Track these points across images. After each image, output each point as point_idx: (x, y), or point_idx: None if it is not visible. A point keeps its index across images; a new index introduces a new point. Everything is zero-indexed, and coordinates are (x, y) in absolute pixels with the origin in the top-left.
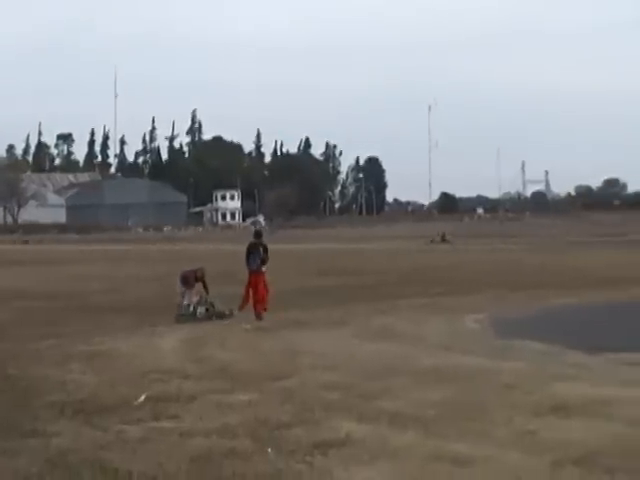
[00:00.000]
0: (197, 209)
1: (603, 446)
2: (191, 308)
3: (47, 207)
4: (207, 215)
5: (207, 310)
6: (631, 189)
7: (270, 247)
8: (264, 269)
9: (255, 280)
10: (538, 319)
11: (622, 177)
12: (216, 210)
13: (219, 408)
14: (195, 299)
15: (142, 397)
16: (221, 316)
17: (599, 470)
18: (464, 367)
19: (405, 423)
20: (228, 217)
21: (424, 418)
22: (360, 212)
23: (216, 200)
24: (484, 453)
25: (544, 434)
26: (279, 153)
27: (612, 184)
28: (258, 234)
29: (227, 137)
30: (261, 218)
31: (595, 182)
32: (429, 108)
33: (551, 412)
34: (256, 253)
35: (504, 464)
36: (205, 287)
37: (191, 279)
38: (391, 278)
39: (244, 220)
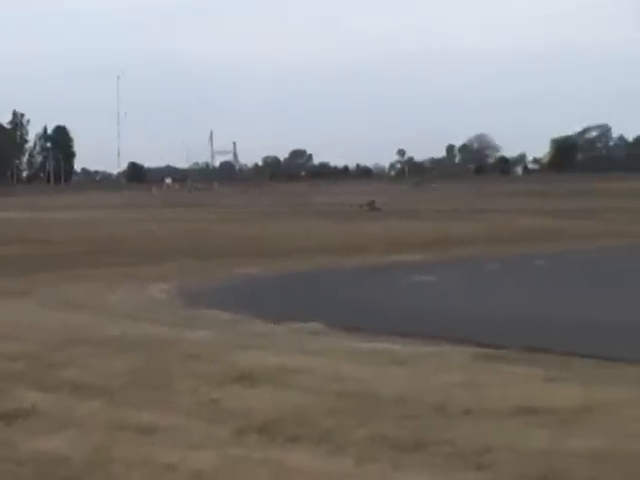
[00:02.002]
0: None
1: (285, 414)
2: None
3: None
4: None
5: None
6: (316, 160)
7: None
8: None
9: None
10: (225, 289)
11: (308, 149)
12: None
13: None
14: None
15: None
16: None
17: (281, 438)
18: (150, 337)
19: (90, 393)
20: None
21: (109, 387)
22: (48, 181)
23: None
24: (168, 422)
25: (228, 403)
26: None
27: (298, 155)
28: None
29: None
30: None
31: (282, 153)
32: (117, 78)
33: (236, 381)
34: None
35: (187, 432)
36: None
37: None
38: (79, 248)
39: None
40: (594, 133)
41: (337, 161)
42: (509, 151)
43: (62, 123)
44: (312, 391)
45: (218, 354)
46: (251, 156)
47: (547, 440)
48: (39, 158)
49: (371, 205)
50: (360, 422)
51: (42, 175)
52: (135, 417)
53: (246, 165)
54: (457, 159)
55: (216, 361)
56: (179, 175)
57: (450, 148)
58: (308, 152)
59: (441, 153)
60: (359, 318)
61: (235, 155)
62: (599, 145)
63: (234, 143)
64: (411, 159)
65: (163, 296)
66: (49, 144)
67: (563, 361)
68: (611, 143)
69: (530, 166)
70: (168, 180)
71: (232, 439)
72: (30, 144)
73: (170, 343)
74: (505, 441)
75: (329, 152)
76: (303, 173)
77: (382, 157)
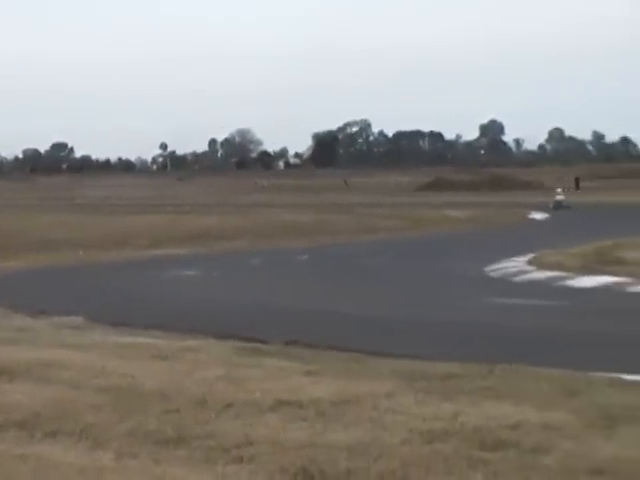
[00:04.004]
0: None
1: (45, 409)
2: None
3: None
4: None
5: None
6: (78, 153)
7: None
8: None
9: None
10: None
11: (69, 141)
12: None
13: None
14: None
15: None
16: None
17: (40, 433)
18: None
19: None
20: None
21: None
22: None
23: None
24: None
25: None
26: None
27: (60, 148)
28: None
29: None
30: None
31: (44, 146)
32: None
33: None
34: None
35: None
36: None
37: None
38: None
39: None
40: (355, 128)
41: (99, 154)
42: (271, 145)
43: None
44: (73, 386)
45: None
46: (11, 149)
47: (307, 433)
48: None
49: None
50: (121, 417)
51: None
52: None
53: (6, 158)
54: (219, 153)
55: None
56: None
57: (212, 142)
58: (70, 145)
59: (204, 147)
60: (121, 313)
61: None
62: (360, 140)
63: None
64: (173, 153)
65: None
66: None
67: (323, 355)
68: (371, 138)
69: (292, 161)
70: None
71: None
72: None
73: None
74: (266, 434)
75: (91, 145)
76: (65, 166)
77: (145, 151)
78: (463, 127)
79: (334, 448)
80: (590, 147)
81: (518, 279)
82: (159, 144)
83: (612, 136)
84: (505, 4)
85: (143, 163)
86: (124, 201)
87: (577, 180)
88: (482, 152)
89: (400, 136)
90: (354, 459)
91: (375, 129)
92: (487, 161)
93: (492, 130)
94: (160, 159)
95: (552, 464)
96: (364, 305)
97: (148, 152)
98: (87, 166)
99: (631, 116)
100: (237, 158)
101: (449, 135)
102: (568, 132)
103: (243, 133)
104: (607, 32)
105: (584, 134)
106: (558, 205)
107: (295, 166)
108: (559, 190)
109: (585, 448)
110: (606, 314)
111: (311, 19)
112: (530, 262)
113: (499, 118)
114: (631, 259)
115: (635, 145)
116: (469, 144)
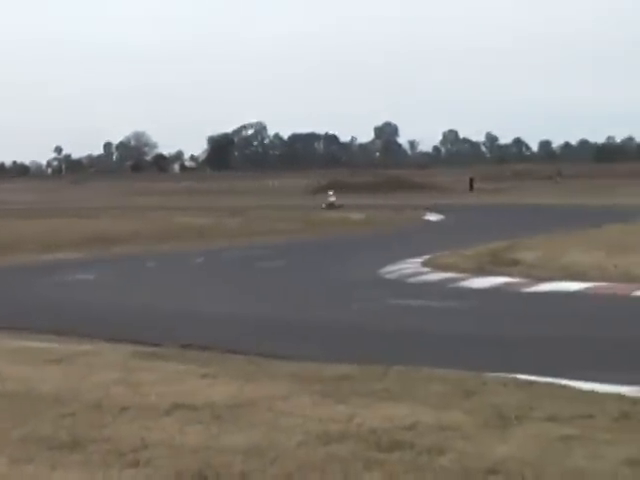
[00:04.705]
0: None
1: None
2: None
3: None
4: None
5: None
6: None
7: None
8: None
9: None
10: None
11: None
12: None
13: None
14: None
15: None
16: None
17: None
18: None
19: None
20: None
21: None
22: None
23: None
24: None
25: None
26: None
27: None
28: None
29: None
30: None
31: None
32: None
33: None
34: None
35: None
36: None
37: None
38: None
39: None
40: (250, 131)
41: None
42: (167, 148)
43: None
44: None
45: None
46: None
47: (203, 436)
48: None
49: None
50: (16, 422)
51: None
52: None
53: None
54: (115, 156)
55: None
56: None
57: (107, 145)
58: None
59: (99, 150)
60: (14, 317)
61: None
62: (255, 143)
63: None
64: (68, 156)
65: None
66: None
67: (219, 358)
68: (267, 141)
69: (187, 164)
70: None
71: None
72: None
73: None
74: (162, 438)
75: None
76: None
77: (41, 154)
78: (358, 129)
79: (230, 451)
80: (484, 149)
81: (413, 280)
82: (54, 147)
83: (506, 138)
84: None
85: (38, 167)
86: (15, 205)
87: (471, 181)
88: (377, 154)
89: (295, 139)
90: (250, 462)
91: (271, 132)
92: (382, 163)
93: (387, 132)
94: (55, 163)
95: (448, 464)
96: (259, 308)
97: (43, 156)
98: None
99: (524, 117)
100: (132, 161)
101: (344, 137)
102: (462, 134)
103: (138, 136)
104: (497, 36)
105: (478, 136)
106: (331, 206)
107: (191, 169)
108: (330, 192)
109: (480, 448)
110: (500, 315)
111: (201, 19)
112: (425, 264)
113: (393, 120)
114: (525, 260)
115: (528, 146)
116: (364, 146)
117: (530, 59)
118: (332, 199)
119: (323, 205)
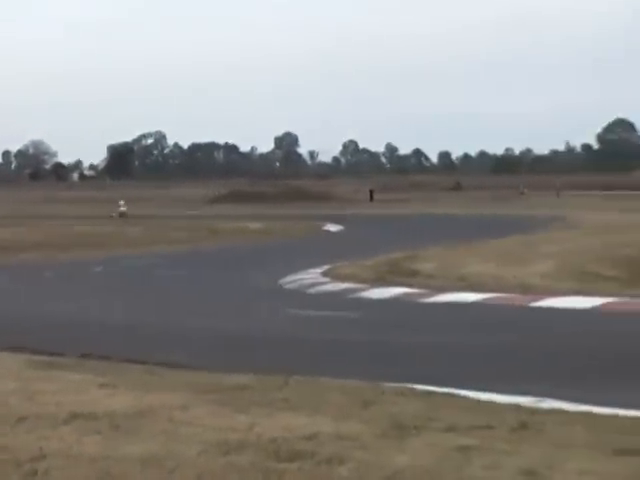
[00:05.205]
0: None
1: None
2: None
3: None
4: None
5: None
6: None
7: None
8: None
9: None
10: None
11: None
12: None
13: None
14: None
15: None
16: None
17: None
18: None
19: None
20: None
21: None
22: None
23: None
24: None
25: None
26: None
27: None
28: None
29: None
30: None
31: None
32: None
33: None
34: None
35: None
36: None
37: None
38: None
39: None
40: (150, 140)
41: None
42: (66, 157)
43: None
44: None
45: None
46: None
47: (102, 446)
48: None
49: None
50: None
51: None
52: None
53: None
54: (13, 165)
55: None
56: None
57: (6, 154)
58: None
59: None
60: None
61: None
62: (155, 152)
63: None
64: None
65: None
66: None
67: (118, 367)
68: (167, 150)
69: (87, 172)
70: None
71: None
72: None
73: None
74: (60, 447)
75: None
76: None
77: None
78: (258, 139)
79: (128, 461)
80: (384, 159)
81: (312, 291)
82: None
83: (405, 149)
84: (301, 20)
85: None
86: None
87: (371, 192)
88: (277, 164)
89: (195, 148)
90: (149, 471)
91: (170, 141)
92: (282, 173)
93: (287, 142)
94: None
95: (347, 474)
96: (158, 316)
97: None
98: None
99: (423, 129)
100: (31, 170)
101: (244, 147)
102: (362, 144)
103: (37, 144)
104: (396, 47)
105: (378, 147)
106: (123, 215)
107: (90, 178)
108: (122, 202)
109: (379, 458)
110: (398, 325)
111: (91, 32)
112: (325, 274)
113: (294, 130)
114: (423, 270)
115: (427, 157)
116: (264, 156)
117: (431, 71)
118: (123, 209)
119: (113, 214)
